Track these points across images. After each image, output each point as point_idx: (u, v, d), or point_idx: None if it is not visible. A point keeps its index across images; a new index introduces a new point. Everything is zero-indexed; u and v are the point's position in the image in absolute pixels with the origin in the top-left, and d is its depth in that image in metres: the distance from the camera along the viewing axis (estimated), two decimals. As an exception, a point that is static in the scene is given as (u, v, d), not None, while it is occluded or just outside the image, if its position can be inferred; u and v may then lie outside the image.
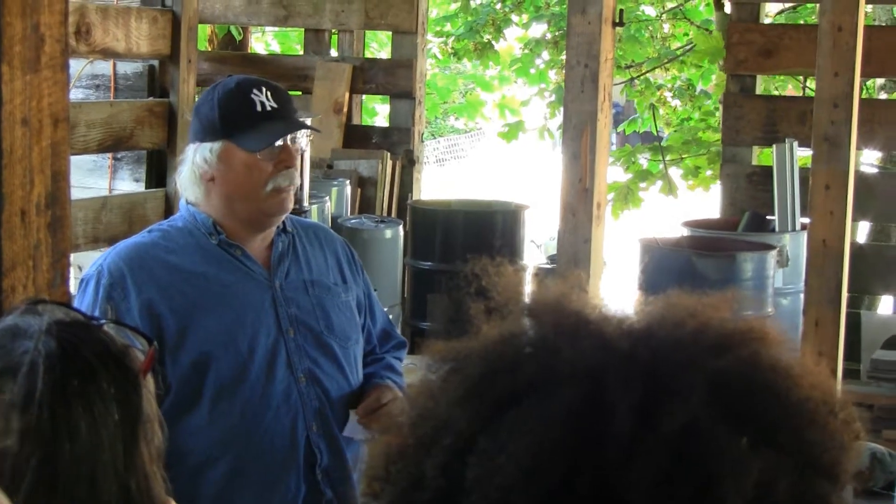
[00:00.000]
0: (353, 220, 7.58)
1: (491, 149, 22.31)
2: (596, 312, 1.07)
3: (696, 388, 0.98)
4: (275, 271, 3.28)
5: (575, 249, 4.66)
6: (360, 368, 3.40)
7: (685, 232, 7.61)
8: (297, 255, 3.35)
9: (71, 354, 1.54)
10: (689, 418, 0.97)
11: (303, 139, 3.29)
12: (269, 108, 3.19)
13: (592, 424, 0.97)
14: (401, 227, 7.75)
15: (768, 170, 7.54)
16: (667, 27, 10.94)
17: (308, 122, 3.35)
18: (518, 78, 11.59)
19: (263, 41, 11.89)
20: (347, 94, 8.42)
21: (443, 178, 17.90)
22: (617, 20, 4.80)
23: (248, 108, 3.18)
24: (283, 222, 3.33)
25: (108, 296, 3.06)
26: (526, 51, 10.62)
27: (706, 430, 0.97)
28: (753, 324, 1.07)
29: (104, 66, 6.93)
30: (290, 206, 3.26)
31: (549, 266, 8.56)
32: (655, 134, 11.47)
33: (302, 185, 5.20)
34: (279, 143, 3.18)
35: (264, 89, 3.22)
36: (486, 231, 8.19)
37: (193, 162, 3.20)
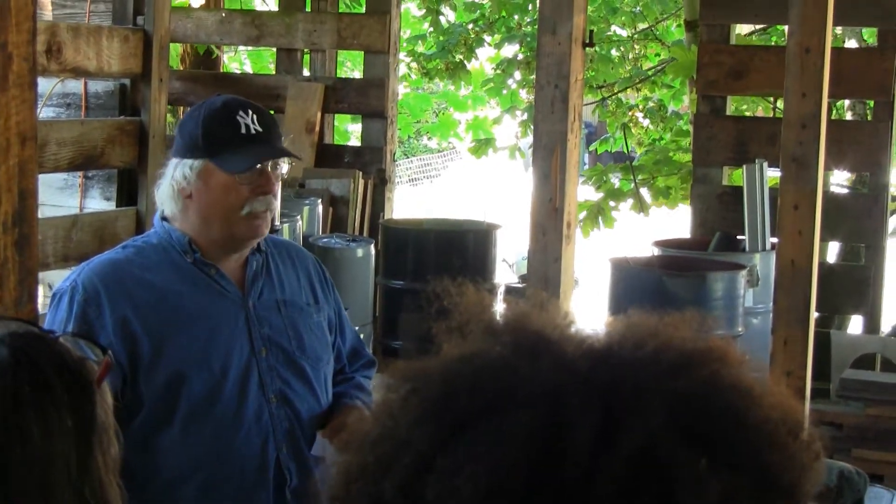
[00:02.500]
0: (324, 239, 7.57)
1: (463, 169, 22.33)
2: (556, 332, 1.07)
3: (655, 409, 0.98)
4: (248, 291, 3.28)
5: (545, 269, 4.67)
6: (330, 388, 3.40)
7: (656, 251, 7.62)
8: (270, 275, 3.35)
9: (23, 363, 1.54)
10: (647, 439, 0.97)
11: (284, 166, 3.28)
12: (253, 132, 3.18)
13: (551, 446, 0.97)
14: (372, 246, 7.75)
15: (739, 190, 7.58)
16: (638, 47, 10.98)
17: (288, 149, 3.34)
18: (490, 98, 11.61)
19: (237, 60, 11.87)
20: (319, 114, 8.42)
21: (416, 198, 17.90)
22: (587, 41, 4.82)
23: (232, 130, 3.17)
24: (258, 242, 3.33)
25: (82, 312, 3.05)
26: (498, 71, 10.64)
27: (665, 452, 0.97)
28: (713, 344, 1.07)
29: (75, 85, 6.92)
30: (265, 231, 3.25)
31: (520, 285, 8.56)
32: (627, 153, 11.51)
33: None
34: (258, 167, 3.18)
35: (251, 112, 3.21)
36: (457, 250, 8.19)
37: (173, 177, 3.20)
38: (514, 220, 10.34)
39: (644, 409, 0.98)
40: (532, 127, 10.35)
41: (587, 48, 4.86)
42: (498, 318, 1.12)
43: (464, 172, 22.46)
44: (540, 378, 1.02)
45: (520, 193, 19.41)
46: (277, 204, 3.32)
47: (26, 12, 2.03)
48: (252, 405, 3.19)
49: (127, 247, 3.32)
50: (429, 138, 20.50)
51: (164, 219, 3.29)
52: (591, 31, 4.93)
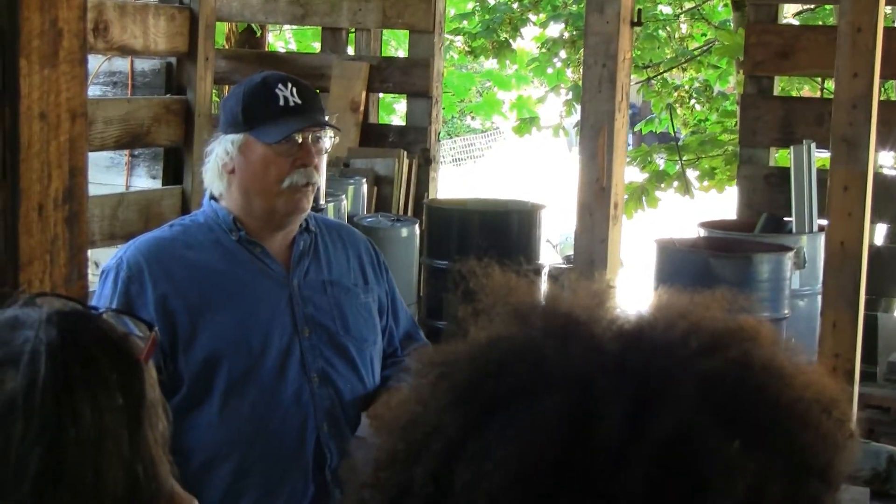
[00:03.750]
0: (369, 219, 7.57)
1: (507, 149, 22.29)
2: (586, 314, 1.05)
3: (686, 391, 0.97)
4: (294, 270, 3.27)
5: (591, 249, 4.64)
6: (377, 370, 3.38)
7: (702, 233, 7.58)
8: (317, 255, 3.33)
9: (71, 342, 1.54)
10: (679, 422, 0.96)
11: (326, 140, 3.26)
12: (291, 104, 3.18)
13: (581, 430, 0.96)
14: (417, 226, 7.74)
15: (785, 171, 7.52)
16: (685, 27, 10.91)
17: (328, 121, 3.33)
18: (535, 77, 11.57)
19: (282, 38, 11.88)
20: (364, 93, 8.41)
21: (459, 178, 17.89)
22: (635, 19, 4.78)
23: (271, 102, 3.17)
24: (307, 221, 3.32)
25: (125, 289, 3.07)
26: (543, 50, 10.60)
27: (697, 434, 0.95)
28: (745, 323, 1.05)
29: (122, 63, 6.94)
30: (307, 205, 3.24)
31: (564, 266, 8.54)
32: (672, 134, 11.45)
33: (318, 183, 5.19)
34: (299, 140, 3.17)
35: (290, 85, 3.21)
36: (501, 230, 8.18)
37: (217, 154, 3.22)
38: (558, 200, 10.31)
39: (674, 391, 0.97)
40: (577, 106, 10.32)
41: (635, 27, 4.82)
42: (525, 300, 1.10)
43: (507, 152, 22.42)
44: (569, 361, 1.00)
45: (563, 173, 19.35)
46: (321, 178, 3.29)
47: (77, -12, 2.02)
48: (292, 385, 3.18)
49: (174, 225, 3.34)
50: (472, 118, 20.46)
51: (212, 198, 3.30)
52: (639, 10, 4.89)
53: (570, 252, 9.06)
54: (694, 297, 1.07)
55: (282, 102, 3.18)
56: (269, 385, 3.16)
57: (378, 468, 1.05)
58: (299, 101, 3.19)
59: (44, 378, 1.50)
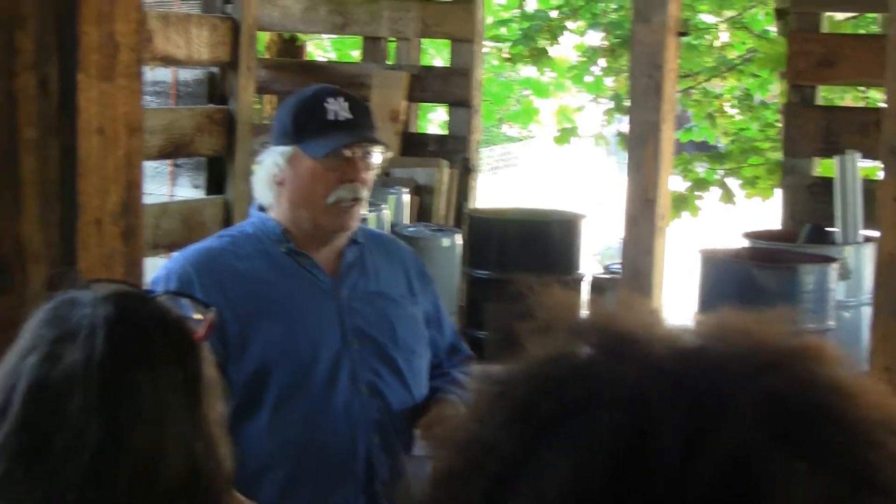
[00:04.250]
0: (410, 228, 7.56)
1: (543, 157, 22.25)
2: (644, 332, 1.03)
3: (746, 410, 0.94)
4: (342, 282, 3.26)
5: (637, 261, 4.62)
6: (425, 382, 3.37)
7: (745, 243, 7.54)
8: (365, 267, 3.32)
9: (129, 319, 1.55)
10: (739, 441, 0.93)
11: (375, 155, 3.25)
12: (341, 118, 3.17)
13: (637, 450, 0.93)
14: (458, 236, 7.72)
15: (828, 181, 7.46)
16: (725, 36, 10.86)
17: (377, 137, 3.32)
18: (574, 85, 11.54)
19: (321, 47, 11.90)
20: (404, 102, 8.40)
21: (497, 187, 17.88)
22: (681, 30, 4.76)
23: (321, 115, 3.17)
24: (354, 233, 3.31)
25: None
26: (583, 58, 10.57)
27: (758, 454, 0.93)
28: (808, 342, 1.03)
29: (164, 73, 6.95)
30: (353, 222, 3.23)
31: (606, 276, 8.51)
32: (712, 143, 11.39)
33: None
34: (347, 154, 3.16)
35: (341, 99, 3.21)
36: (543, 240, 8.16)
37: (266, 165, 3.23)
38: (597, 209, 10.28)
39: (734, 410, 0.94)
40: (617, 115, 10.30)
41: (681, 37, 4.80)
42: (584, 318, 1.08)
43: (543, 161, 22.39)
44: (625, 379, 0.98)
45: (601, 181, 19.32)
46: (366, 193, 3.28)
47: (133, 2, 2.01)
48: (341, 396, 3.17)
49: (223, 236, 3.34)
50: (510, 126, 20.44)
51: (261, 209, 3.30)
52: (685, 21, 4.86)
53: (610, 261, 9.03)
54: (754, 315, 1.05)
55: (331, 116, 3.17)
56: (318, 396, 3.15)
57: (435, 486, 1.04)
58: (349, 116, 3.19)
59: (102, 352, 1.51)
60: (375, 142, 3.25)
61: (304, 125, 3.18)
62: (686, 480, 0.93)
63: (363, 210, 3.31)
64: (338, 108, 3.18)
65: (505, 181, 20.35)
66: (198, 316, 1.70)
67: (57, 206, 1.95)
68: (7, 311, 1.89)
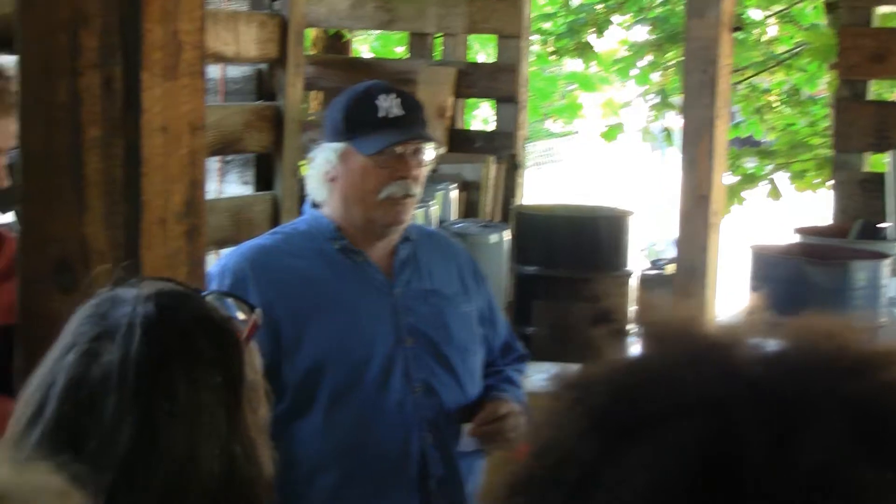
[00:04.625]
0: (458, 225, 7.53)
1: (586, 153, 22.19)
2: (726, 337, 1.01)
3: (834, 418, 0.92)
4: (395, 279, 3.25)
5: (692, 257, 4.58)
6: (479, 380, 3.35)
7: (796, 239, 7.48)
8: (418, 264, 3.31)
9: (169, 318, 1.53)
10: (826, 450, 0.91)
11: (427, 152, 3.24)
12: (391, 115, 3.17)
13: (720, 458, 0.91)
14: (506, 232, 7.69)
15: (880, 176, 7.40)
16: (773, 30, 10.78)
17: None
18: (619, 79, 11.49)
19: (367, 42, 11.89)
20: (451, 99, 8.37)
21: (541, 183, 17.82)
22: (735, 25, 4.72)
23: (371, 113, 3.16)
24: (407, 230, 3.30)
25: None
26: (629, 53, 10.51)
27: (846, 463, 0.90)
28: (893, 346, 1.00)
29: (213, 70, 6.95)
30: (405, 218, 3.23)
31: (654, 272, 8.47)
32: (758, 139, 11.31)
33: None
34: (398, 151, 3.15)
35: (392, 96, 3.20)
36: (591, 237, 8.11)
37: (319, 161, 3.22)
38: (643, 204, 10.23)
39: (822, 418, 0.92)
40: (664, 111, 10.23)
41: (734, 32, 4.76)
42: (661, 321, 1.06)
43: (586, 156, 22.33)
44: (708, 386, 0.96)
45: (645, 177, 19.24)
46: (418, 190, 3.26)
47: (197, 0, 2.00)
48: (395, 394, 3.16)
49: (276, 233, 3.35)
50: (553, 121, 20.39)
51: (314, 206, 3.29)
52: (739, 16, 4.82)
53: (656, 258, 8.99)
54: (838, 320, 1.02)
55: (382, 113, 3.17)
56: (372, 395, 3.14)
57: (512, 493, 1.02)
58: (401, 113, 3.18)
59: (138, 350, 1.49)
60: (427, 139, 3.24)
61: (356, 122, 3.18)
62: (774, 491, 0.90)
63: (415, 206, 3.29)
64: (389, 104, 3.18)
65: (548, 177, 20.29)
66: (243, 316, 1.67)
67: (121, 205, 1.94)
68: (71, 310, 1.87)
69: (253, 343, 1.65)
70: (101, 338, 1.52)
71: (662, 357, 1.00)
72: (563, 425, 1.00)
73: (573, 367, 1.07)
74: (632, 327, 8.69)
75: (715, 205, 4.58)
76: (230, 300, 1.70)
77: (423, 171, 3.26)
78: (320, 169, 3.24)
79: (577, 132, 22.12)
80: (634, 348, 1.04)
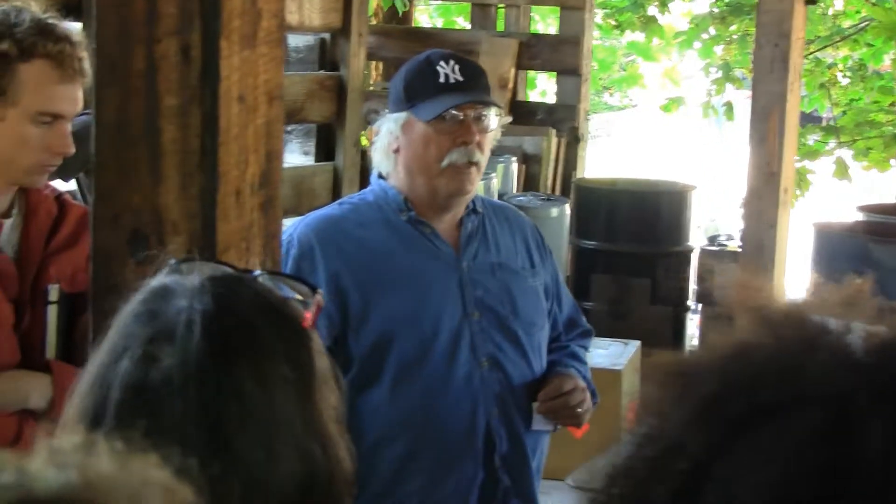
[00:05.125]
0: (519, 198, 7.48)
1: (644, 126, 22.06)
2: (839, 324, 0.96)
3: None
4: (463, 252, 3.22)
5: (760, 236, 4.52)
6: (544, 355, 3.32)
7: (860, 217, 7.39)
8: (485, 237, 3.28)
9: (229, 310, 1.41)
10: None
11: (491, 118, 3.19)
12: (452, 81, 3.12)
13: (842, 450, 0.88)
14: (567, 206, 7.63)
15: (949, 154, 7.28)
16: (839, 4, 10.62)
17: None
18: (681, 51, 11.37)
19: (427, 13, 11.83)
20: (513, 70, 8.31)
21: (597, 156, 17.74)
22: (809, -3, 4.63)
23: (432, 79, 3.13)
24: (473, 202, 3.26)
25: (296, 266, 3.04)
26: (692, 25, 10.40)
27: None
28: None
29: (275, 39, 6.92)
30: (469, 187, 3.18)
31: (715, 248, 8.38)
32: (821, 114, 11.16)
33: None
34: (460, 117, 3.11)
35: (452, 62, 3.15)
36: (651, 211, 8.05)
37: (383, 133, 3.19)
38: (699, 180, 10.14)
39: None
40: (727, 84, 10.12)
41: (808, 5, 4.67)
42: (772, 305, 1.01)
43: (644, 130, 22.20)
44: (826, 376, 0.92)
45: (703, 152, 19.09)
46: (482, 157, 3.20)
47: (275, -33, 1.96)
48: (462, 368, 3.13)
49: (343, 203, 3.32)
50: (610, 94, 20.27)
51: (380, 177, 3.26)
52: (812, -12, 4.74)
53: (714, 233, 8.89)
54: None
55: (442, 79, 3.12)
56: (439, 368, 3.11)
57: (612, 482, 0.98)
58: (461, 79, 3.13)
59: (200, 350, 1.38)
60: (487, 103, 3.18)
61: (416, 90, 3.14)
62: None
63: (480, 175, 3.24)
64: (448, 70, 3.13)
65: (605, 150, 20.18)
66: (300, 297, 1.54)
67: (197, 176, 1.91)
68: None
69: (315, 329, 1.53)
70: (156, 339, 1.40)
71: (776, 344, 0.96)
72: (669, 414, 0.96)
73: (675, 353, 1.03)
74: (691, 304, 8.64)
75: (785, 182, 4.51)
76: (285, 281, 1.56)
77: (488, 138, 3.21)
78: (384, 140, 3.20)
79: (635, 105, 21.99)
80: (743, 334, 0.99)
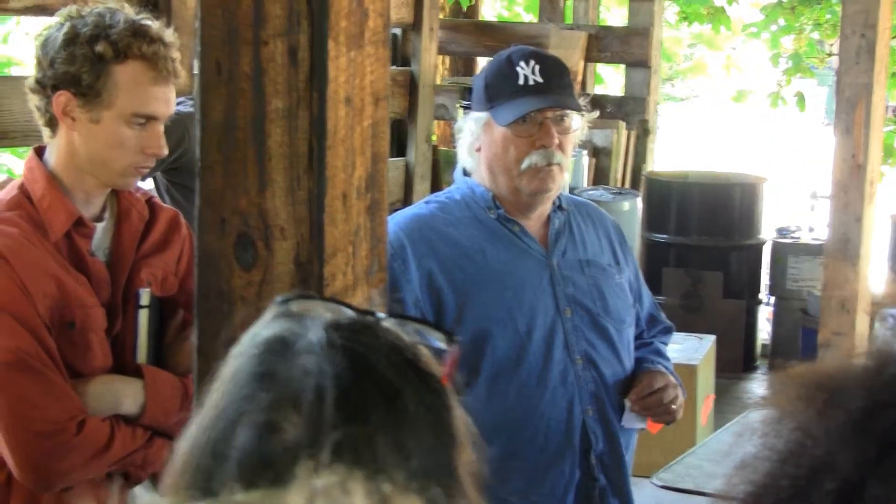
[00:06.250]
0: (591, 192, 7.44)
1: (708, 118, 21.93)
2: None
3: None
4: (552, 249, 3.18)
5: (846, 228, 4.44)
6: (633, 352, 3.27)
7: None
8: (572, 234, 3.24)
9: (365, 370, 1.20)
10: None
11: (574, 119, 3.14)
12: (531, 82, 3.07)
13: None
14: (638, 199, 7.57)
15: None
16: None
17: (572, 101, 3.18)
18: (749, 41, 11.27)
19: (492, 7, 11.78)
20: (582, 63, 8.25)
21: (662, 147, 17.64)
22: (897, -14, 4.54)
23: (511, 80, 3.08)
24: (559, 199, 3.22)
25: (388, 267, 2.99)
26: (763, 15, 10.30)
27: None
28: None
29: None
30: (551, 185, 3.13)
31: (787, 241, 8.29)
32: (892, 102, 11.02)
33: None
34: (539, 118, 3.06)
35: (532, 62, 3.10)
36: (723, 204, 7.98)
37: (465, 132, 3.15)
38: (769, 171, 10.04)
39: None
40: (797, 75, 10.01)
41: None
42: None
43: (708, 121, 22.05)
44: None
45: (772, 143, 18.92)
46: (563, 158, 3.15)
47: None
48: (557, 366, 3.09)
49: (430, 202, 3.28)
50: (672, 86, 20.16)
51: (465, 174, 3.22)
52: (898, -23, 4.64)
53: (782, 226, 8.79)
54: None
55: (521, 81, 3.07)
56: (536, 366, 3.07)
57: (757, 496, 0.93)
58: (540, 80, 3.08)
59: (335, 423, 1.17)
60: (565, 106, 3.12)
61: (496, 91, 3.10)
62: None
63: (563, 174, 3.19)
64: (528, 72, 3.08)
65: (669, 142, 20.08)
66: (437, 344, 1.32)
67: (304, 179, 1.87)
68: (252, 287, 1.81)
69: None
70: (281, 407, 1.19)
71: None
72: (814, 431, 0.91)
73: (814, 364, 0.98)
74: (763, 296, 8.54)
75: (871, 174, 4.43)
76: (416, 325, 1.32)
77: (571, 139, 3.16)
78: (467, 139, 3.17)
79: (697, 96, 21.87)
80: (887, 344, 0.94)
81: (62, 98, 2.63)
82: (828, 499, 0.88)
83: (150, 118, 2.67)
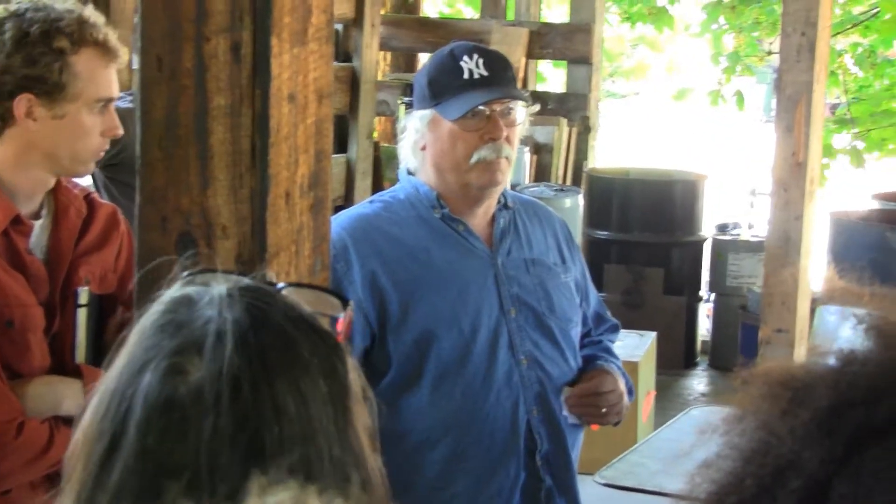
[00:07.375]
0: (532, 188, 7.44)
1: (647, 115, 22.03)
2: None
3: None
4: (497, 248, 3.16)
5: (786, 226, 4.46)
6: (578, 352, 3.27)
7: (875, 205, 7.34)
8: (518, 233, 3.22)
9: (263, 321, 1.28)
10: None
11: (518, 111, 3.13)
12: (476, 76, 3.05)
13: None
14: (580, 196, 7.59)
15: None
16: (850, -9, 10.57)
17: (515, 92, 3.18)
18: (691, 40, 11.33)
19: (433, 3, 11.76)
20: (524, 60, 8.25)
21: (603, 144, 17.70)
22: (833, -14, 4.57)
23: (456, 75, 3.06)
24: (504, 197, 3.21)
25: (331, 267, 2.97)
26: (704, 14, 10.36)
27: None
28: None
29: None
30: (501, 178, 3.11)
31: (726, 238, 8.34)
32: (830, 102, 11.11)
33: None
34: (487, 112, 3.05)
35: (475, 56, 3.08)
36: (664, 201, 8.01)
37: (409, 131, 3.13)
38: (708, 169, 10.10)
39: None
40: (735, 73, 10.07)
41: (833, -6, 4.61)
42: (887, 317, 0.96)
43: (647, 119, 22.16)
44: None
45: (708, 141, 19.05)
46: (511, 151, 3.14)
47: (324, -40, 1.90)
48: (502, 367, 3.07)
49: (374, 201, 3.25)
50: (613, 82, 20.24)
51: (409, 173, 3.20)
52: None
53: (723, 222, 8.84)
54: None
55: (466, 75, 3.05)
56: (480, 367, 3.05)
57: (721, 495, 0.92)
58: (485, 73, 3.06)
59: (234, 364, 1.24)
60: (512, 97, 3.11)
61: (440, 87, 3.07)
62: None
63: (510, 167, 3.18)
64: (472, 66, 3.06)
65: (610, 139, 20.16)
66: (329, 311, 1.42)
67: (247, 177, 1.85)
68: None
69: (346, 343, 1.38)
70: (183, 351, 1.26)
71: (888, 354, 0.90)
72: (777, 429, 0.91)
73: (776, 363, 0.98)
74: (704, 293, 8.59)
75: (812, 172, 4.45)
76: (314, 292, 1.44)
77: (516, 131, 3.15)
78: (411, 138, 3.14)
79: (638, 94, 21.97)
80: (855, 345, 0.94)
81: (23, 102, 2.61)
82: (793, 497, 0.88)
83: (108, 101, 2.69)
